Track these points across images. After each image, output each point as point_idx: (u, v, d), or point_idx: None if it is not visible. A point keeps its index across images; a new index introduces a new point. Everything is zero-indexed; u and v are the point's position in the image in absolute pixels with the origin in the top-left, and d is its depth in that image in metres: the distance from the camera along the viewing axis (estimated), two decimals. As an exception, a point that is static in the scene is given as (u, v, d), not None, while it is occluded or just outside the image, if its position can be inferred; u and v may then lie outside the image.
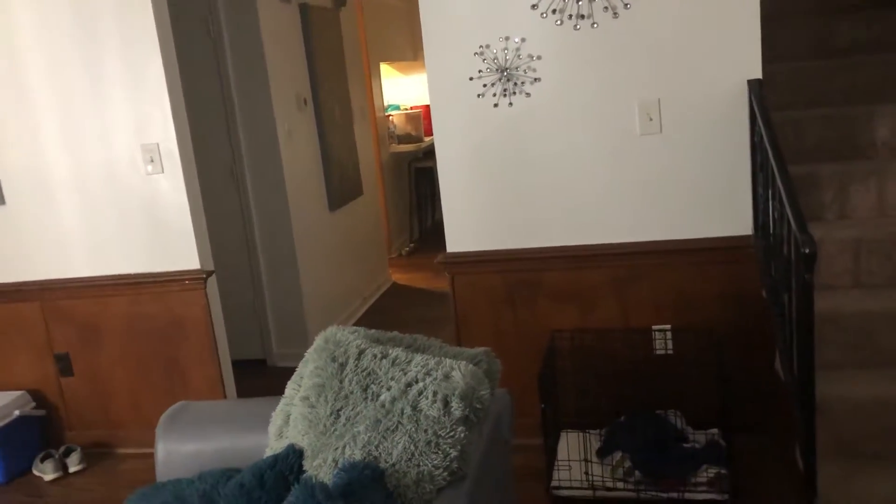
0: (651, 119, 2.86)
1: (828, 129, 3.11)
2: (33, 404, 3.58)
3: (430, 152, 6.92)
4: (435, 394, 1.74)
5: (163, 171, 3.28)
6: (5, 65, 3.33)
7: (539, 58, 2.90)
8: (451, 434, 1.70)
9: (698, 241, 2.91)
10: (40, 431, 3.60)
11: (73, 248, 3.45)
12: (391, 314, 5.22)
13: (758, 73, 2.73)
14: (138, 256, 3.39)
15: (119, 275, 3.41)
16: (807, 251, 2.00)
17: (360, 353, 1.91)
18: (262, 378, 4.23)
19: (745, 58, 2.74)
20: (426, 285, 5.80)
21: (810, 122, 3.14)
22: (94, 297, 3.47)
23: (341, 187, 4.99)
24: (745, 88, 2.75)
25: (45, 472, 3.40)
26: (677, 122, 2.85)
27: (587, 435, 2.86)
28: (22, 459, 3.48)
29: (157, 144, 3.25)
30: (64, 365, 3.58)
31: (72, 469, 3.44)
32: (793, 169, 2.45)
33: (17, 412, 3.47)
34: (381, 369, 1.86)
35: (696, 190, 2.88)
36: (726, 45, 2.75)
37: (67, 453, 3.48)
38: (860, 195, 2.89)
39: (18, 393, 3.54)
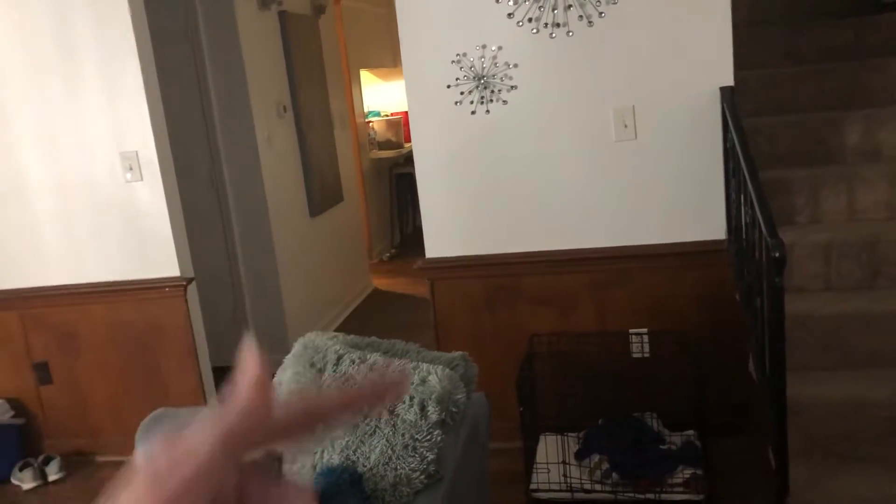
0: (626, 126, 2.90)
1: (799, 135, 3.17)
2: (12, 413, 3.56)
3: (410, 158, 6.84)
4: (412, 398, 1.77)
5: (142, 179, 3.28)
6: (-18, 73, 3.33)
7: (516, 66, 2.94)
8: (428, 438, 1.72)
9: (673, 245, 2.95)
10: (19, 440, 3.57)
11: (52, 257, 3.44)
12: (372, 319, 5.23)
13: (730, 81, 2.78)
14: (118, 264, 3.38)
15: (98, 282, 3.41)
16: (776, 255, 2.05)
17: (339, 358, 1.93)
18: (242, 385, 4.21)
19: (717, 65, 2.79)
20: (407, 290, 5.81)
21: (782, 129, 3.20)
22: (73, 305, 3.46)
23: (322, 193, 5.00)
24: (717, 95, 2.80)
25: (24, 480, 3.38)
26: (652, 128, 2.89)
27: (565, 438, 2.89)
28: (0, 468, 3.46)
29: (136, 152, 3.25)
30: (43, 373, 3.56)
31: (51, 478, 3.42)
32: (765, 174, 2.50)
33: (-5, 421, 3.45)
34: (359, 374, 1.88)
35: (670, 195, 2.93)
36: (699, 52, 2.80)
37: (46, 462, 3.46)
38: (831, 200, 2.95)
39: (-3, 402, 3.53)
